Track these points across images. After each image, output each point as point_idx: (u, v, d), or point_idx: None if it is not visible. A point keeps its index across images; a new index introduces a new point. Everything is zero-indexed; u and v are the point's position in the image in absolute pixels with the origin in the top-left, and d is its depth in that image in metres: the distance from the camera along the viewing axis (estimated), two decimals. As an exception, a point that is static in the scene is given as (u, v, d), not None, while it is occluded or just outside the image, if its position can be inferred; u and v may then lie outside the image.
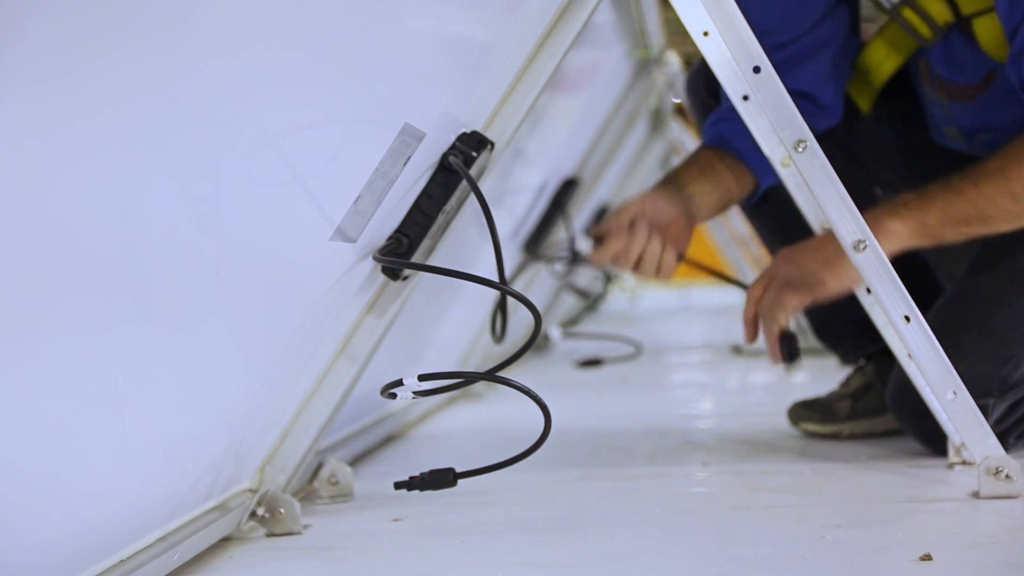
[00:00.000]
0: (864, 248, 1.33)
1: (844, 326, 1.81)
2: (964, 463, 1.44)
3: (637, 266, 1.54)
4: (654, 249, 1.53)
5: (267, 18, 0.89)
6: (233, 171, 0.96)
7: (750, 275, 5.80)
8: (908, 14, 1.54)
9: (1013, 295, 1.52)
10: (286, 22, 0.92)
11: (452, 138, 1.29)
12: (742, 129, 1.39)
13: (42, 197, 0.74)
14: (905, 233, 1.44)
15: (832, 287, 1.46)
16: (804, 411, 1.80)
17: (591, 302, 4.47)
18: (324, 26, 0.98)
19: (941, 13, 1.52)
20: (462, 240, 1.72)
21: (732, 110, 1.40)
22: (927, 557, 1.06)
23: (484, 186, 1.29)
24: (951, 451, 1.46)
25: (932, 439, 1.51)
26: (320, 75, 1.02)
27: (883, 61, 1.67)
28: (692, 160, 1.68)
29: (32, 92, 0.68)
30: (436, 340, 2.32)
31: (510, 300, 1.39)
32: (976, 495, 1.30)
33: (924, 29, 1.54)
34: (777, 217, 1.76)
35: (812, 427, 1.78)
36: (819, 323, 1.89)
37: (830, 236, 1.39)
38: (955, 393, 1.35)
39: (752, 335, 1.54)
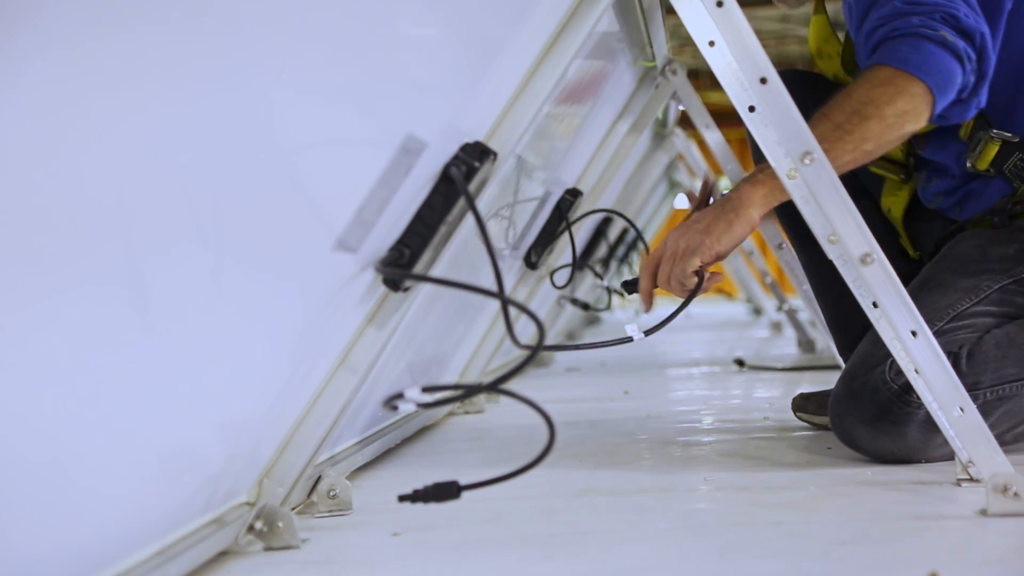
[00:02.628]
0: (871, 261, 1.32)
1: (846, 335, 1.98)
2: (971, 480, 1.42)
3: None
4: None
5: (270, 26, 0.89)
6: (235, 179, 0.96)
7: (755, 287, 5.79)
8: None
9: (947, 274, 1.65)
10: (289, 30, 0.91)
11: (455, 148, 1.28)
12: None
13: (39, 199, 0.73)
14: (762, 193, 1.53)
15: (712, 248, 1.54)
16: (803, 401, 2.00)
17: (594, 314, 4.46)
18: (328, 34, 0.98)
19: None
20: (464, 251, 1.71)
21: None
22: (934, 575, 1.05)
23: (486, 196, 1.28)
24: (958, 467, 1.44)
25: (882, 454, 1.61)
26: (323, 83, 1.01)
27: None
28: None
29: (30, 87, 0.67)
30: (436, 351, 2.30)
31: (512, 311, 1.37)
32: (984, 513, 1.29)
33: None
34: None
35: (806, 417, 1.98)
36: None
37: (719, 201, 1.55)
38: (962, 409, 1.33)
39: (648, 306, 1.66)
